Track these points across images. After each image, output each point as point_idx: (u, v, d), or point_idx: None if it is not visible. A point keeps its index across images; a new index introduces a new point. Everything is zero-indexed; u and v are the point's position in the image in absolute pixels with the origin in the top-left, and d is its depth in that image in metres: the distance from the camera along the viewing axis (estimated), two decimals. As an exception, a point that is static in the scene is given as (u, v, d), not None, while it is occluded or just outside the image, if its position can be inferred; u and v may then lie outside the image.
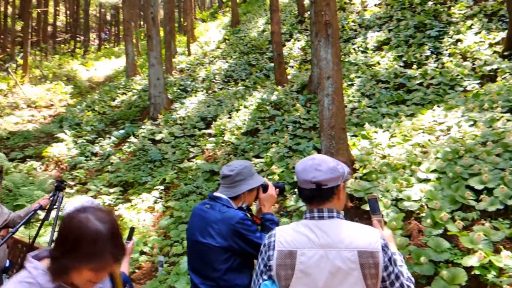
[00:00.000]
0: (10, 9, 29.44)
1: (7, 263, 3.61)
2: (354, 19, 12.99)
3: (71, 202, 2.66)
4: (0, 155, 10.76)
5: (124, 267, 2.79)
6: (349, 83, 9.43)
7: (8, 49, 25.40)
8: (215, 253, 2.16)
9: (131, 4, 21.19)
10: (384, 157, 5.78)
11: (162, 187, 7.91)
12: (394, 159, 5.54)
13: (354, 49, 11.29)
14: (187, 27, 22.25)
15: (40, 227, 3.68)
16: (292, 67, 12.81)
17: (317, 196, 1.63)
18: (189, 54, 18.99)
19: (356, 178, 5.31)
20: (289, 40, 15.15)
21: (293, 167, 6.49)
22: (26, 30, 20.87)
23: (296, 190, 5.69)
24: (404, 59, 9.68)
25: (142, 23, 39.24)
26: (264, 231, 2.25)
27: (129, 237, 2.95)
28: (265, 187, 2.42)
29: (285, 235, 1.58)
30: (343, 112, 5.78)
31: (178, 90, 14.10)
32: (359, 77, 9.54)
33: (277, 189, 2.49)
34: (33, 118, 15.29)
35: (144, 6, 33.41)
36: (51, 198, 3.49)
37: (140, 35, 28.50)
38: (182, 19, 28.40)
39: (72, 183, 9.48)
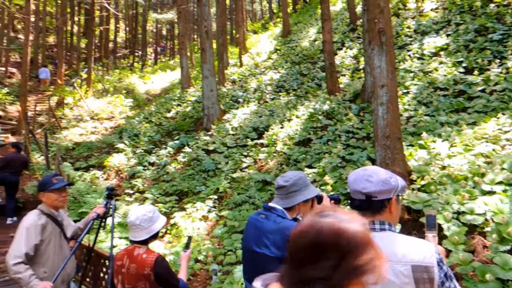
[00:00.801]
0: (75, 28, 31.61)
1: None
2: (409, 25, 12.60)
3: (134, 210, 2.81)
4: (67, 164, 11.53)
5: (182, 274, 2.92)
6: (405, 91, 9.14)
7: (74, 65, 27.24)
8: (271, 264, 2.17)
9: (186, 19, 21.99)
10: (443, 167, 5.52)
11: (215, 197, 8.07)
12: (454, 170, 5.27)
13: (409, 55, 10.95)
14: (239, 39, 22.70)
15: (97, 234, 3.78)
16: (344, 76, 12.64)
17: (367, 208, 1.60)
18: (241, 65, 19.33)
19: (413, 189, 5.12)
20: (341, 49, 14.99)
21: (347, 178, 6.37)
22: (90, 47, 22.27)
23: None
24: (464, 64, 9.22)
25: (195, 36, 40.56)
26: None
27: (187, 246, 3.09)
28: (319, 198, 2.41)
29: None
30: (399, 121, 5.61)
31: (231, 101, 14.37)
32: (415, 84, 9.22)
33: (332, 201, 2.47)
34: (96, 129, 16.22)
35: (197, 20, 34.54)
36: (106, 205, 3.54)
37: (194, 48, 29.42)
38: (234, 31, 29.01)
39: (131, 192, 9.92)
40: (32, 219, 3.10)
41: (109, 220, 3.61)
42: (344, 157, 7.19)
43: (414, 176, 5.39)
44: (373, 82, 5.50)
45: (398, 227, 4.71)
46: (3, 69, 23.88)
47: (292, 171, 2.52)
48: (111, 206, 3.48)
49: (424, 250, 1.48)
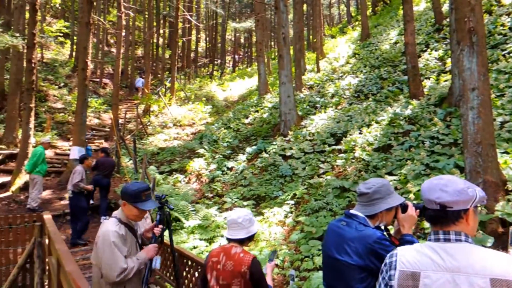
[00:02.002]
0: (161, 40, 33.73)
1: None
2: (504, 22, 11.60)
3: (236, 210, 2.98)
4: (153, 168, 12.29)
5: (269, 281, 3.06)
6: (498, 93, 8.42)
7: (159, 75, 29.06)
8: (352, 271, 2.13)
9: (263, 27, 22.40)
10: (545, 177, 4.99)
11: (292, 202, 8.07)
12: (559, 180, 4.74)
13: (503, 55, 10.07)
14: (316, 44, 22.59)
15: (161, 242, 3.70)
16: (428, 79, 11.97)
17: (442, 218, 1.57)
18: (318, 71, 19.19)
19: (509, 200, 4.69)
20: (424, 51, 14.25)
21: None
22: (173, 58, 23.62)
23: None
24: None
25: (272, 43, 41.15)
26: None
27: (271, 258, 3.30)
28: (404, 207, 2.31)
29: (407, 256, 1.55)
30: (492, 126, 5.18)
31: (308, 107, 14.32)
32: (510, 86, 8.46)
33: (417, 210, 2.36)
34: (178, 135, 17.11)
35: (275, 27, 35.01)
36: (160, 217, 3.34)
37: (271, 54, 29.84)
38: (311, 37, 28.92)
39: (210, 195, 10.29)
40: (112, 230, 2.89)
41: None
42: (429, 164, 6.80)
43: (510, 186, 4.94)
44: (462, 85, 5.15)
45: (491, 240, 4.34)
46: (98, 80, 26.20)
47: (373, 178, 2.45)
48: (164, 216, 3.33)
49: (506, 264, 1.40)
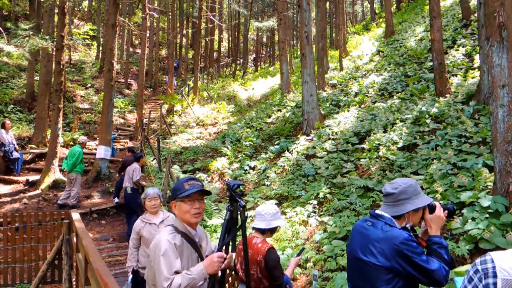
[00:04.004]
0: (184, 41, 34.08)
1: None
2: (535, 17, 11.20)
3: (265, 204, 3.08)
4: (176, 167, 12.43)
5: (288, 272, 3.27)
6: (529, 90, 8.13)
7: (182, 75, 29.39)
8: (377, 272, 2.10)
9: (286, 25, 22.32)
10: None
11: (315, 202, 8.02)
12: None
13: (535, 51, 9.73)
14: (339, 42, 22.37)
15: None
16: (455, 76, 11.68)
17: None
18: (341, 69, 19.00)
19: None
20: (451, 47, 13.90)
21: (459, 186, 5.88)
22: (196, 58, 23.83)
23: (463, 211, 5.13)
24: None
25: (294, 42, 40.99)
26: (431, 254, 2.11)
27: (299, 254, 3.56)
28: (432, 208, 2.26)
29: (508, 262, 1.38)
30: (523, 124, 5.00)
31: (331, 106, 14.20)
32: (542, 83, 8.15)
33: (446, 211, 2.31)
34: (201, 134, 17.26)
35: (297, 26, 34.86)
36: (231, 215, 2.55)
37: (293, 53, 29.71)
38: (334, 35, 28.66)
39: (233, 194, 10.33)
40: (165, 239, 2.37)
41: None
42: (456, 163, 6.63)
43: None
44: (492, 82, 4.99)
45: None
46: (123, 80, 26.70)
47: (400, 178, 2.40)
48: (239, 212, 2.55)
49: None
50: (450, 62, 12.52)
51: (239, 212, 2.53)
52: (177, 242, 2.37)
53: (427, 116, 9.16)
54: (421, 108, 9.87)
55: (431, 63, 12.67)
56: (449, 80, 10.86)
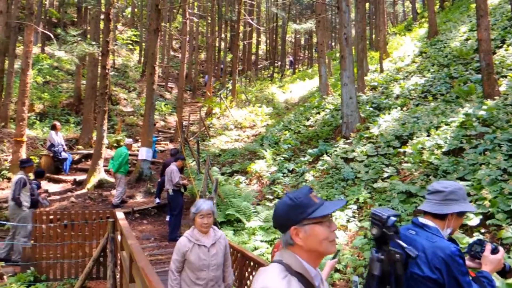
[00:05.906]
0: (222, 44, 34.54)
1: None
2: None
3: None
4: (215, 169, 12.59)
5: (324, 273, 3.11)
6: None
7: (220, 78, 29.76)
8: (420, 283, 2.03)
9: (324, 27, 22.12)
10: None
11: (355, 207, 7.88)
12: None
13: None
14: (379, 43, 21.91)
15: None
16: (504, 77, 11.14)
17: None
18: (382, 71, 18.59)
19: None
20: (500, 47, 13.28)
21: (509, 193, 5.60)
22: (234, 61, 24.08)
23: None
24: None
25: (333, 44, 40.54)
26: (476, 283, 2.02)
27: (334, 257, 3.34)
28: (495, 249, 2.18)
29: None
30: None
31: (371, 108, 13.92)
32: None
33: (505, 265, 2.21)
34: (239, 137, 17.39)
35: (336, 27, 34.48)
36: (382, 262, 1.83)
37: (332, 55, 29.39)
38: (374, 36, 28.10)
39: (271, 197, 10.34)
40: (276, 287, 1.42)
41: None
42: (506, 169, 6.32)
43: None
44: (547, 83, 4.73)
45: None
46: (164, 84, 27.37)
47: (450, 181, 2.32)
48: (394, 262, 1.82)
49: None
50: (499, 63, 11.96)
51: (395, 263, 1.76)
52: None
53: (474, 119, 8.79)
54: (467, 111, 9.48)
55: (477, 64, 12.16)
56: (497, 81, 10.38)
